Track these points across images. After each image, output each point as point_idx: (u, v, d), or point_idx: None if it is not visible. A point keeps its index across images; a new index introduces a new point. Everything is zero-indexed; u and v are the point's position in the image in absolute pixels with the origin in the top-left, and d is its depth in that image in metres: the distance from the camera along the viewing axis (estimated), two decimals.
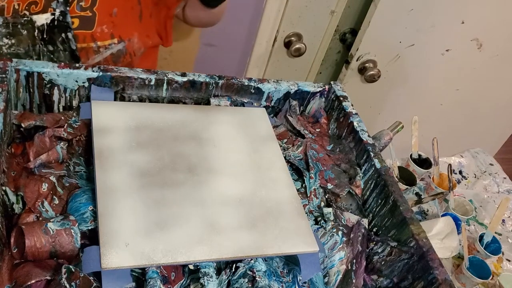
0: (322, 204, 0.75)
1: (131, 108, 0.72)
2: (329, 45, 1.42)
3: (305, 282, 0.63)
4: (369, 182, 0.76)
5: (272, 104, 0.85)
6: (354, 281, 0.66)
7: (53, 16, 0.75)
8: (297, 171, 0.78)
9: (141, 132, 0.69)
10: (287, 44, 1.36)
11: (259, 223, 0.63)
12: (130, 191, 0.61)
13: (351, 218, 0.72)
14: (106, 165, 0.63)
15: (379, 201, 0.73)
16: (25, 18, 0.75)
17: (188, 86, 0.77)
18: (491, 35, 1.38)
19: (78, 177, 0.65)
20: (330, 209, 0.73)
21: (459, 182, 1.59)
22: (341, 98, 0.84)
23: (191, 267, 0.58)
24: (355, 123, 0.81)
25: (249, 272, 0.60)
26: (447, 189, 1.33)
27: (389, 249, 0.68)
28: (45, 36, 0.76)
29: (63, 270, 0.51)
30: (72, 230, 0.56)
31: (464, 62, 1.44)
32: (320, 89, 0.86)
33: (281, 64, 1.41)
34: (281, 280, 0.63)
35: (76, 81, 0.70)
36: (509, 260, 1.32)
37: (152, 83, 0.75)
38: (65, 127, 0.67)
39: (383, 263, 0.69)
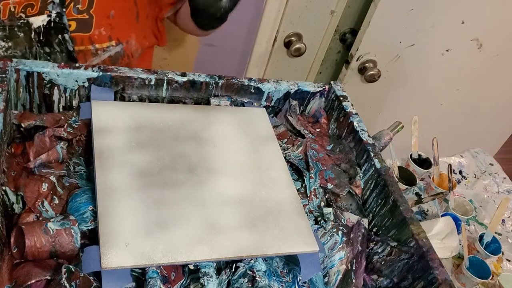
0: (322, 204, 0.75)
1: (131, 108, 0.72)
2: (329, 45, 1.42)
3: (305, 282, 0.63)
4: (369, 182, 0.76)
5: (272, 104, 0.85)
6: (354, 281, 0.66)
7: (49, 18, 0.75)
8: (297, 171, 0.78)
9: (141, 132, 0.69)
10: (287, 44, 1.36)
11: (259, 223, 0.63)
12: (130, 191, 0.61)
13: (351, 218, 0.72)
14: (106, 165, 0.63)
15: (379, 201, 0.73)
16: (22, 21, 0.75)
17: (188, 86, 0.77)
18: (491, 35, 1.38)
19: (78, 177, 0.65)
20: (330, 209, 0.73)
21: (459, 182, 1.59)
22: (341, 98, 0.84)
23: (191, 267, 0.58)
24: (355, 123, 0.81)
25: (249, 272, 0.60)
26: (447, 189, 1.33)
27: (389, 249, 0.68)
28: (41, 38, 0.76)
29: (63, 270, 0.51)
30: (72, 230, 0.56)
31: (464, 62, 1.44)
32: (320, 89, 0.86)
33: (281, 64, 1.41)
34: (281, 280, 0.63)
35: (76, 81, 0.70)
36: (509, 260, 1.32)
37: (152, 83, 0.75)
38: (65, 127, 0.67)
39: (383, 263, 0.69)
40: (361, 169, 0.78)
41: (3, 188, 0.58)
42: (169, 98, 0.78)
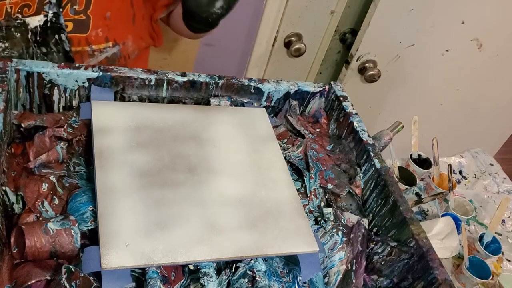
0: (322, 204, 0.75)
1: (131, 108, 0.72)
2: (329, 45, 1.42)
3: (305, 282, 0.63)
4: (369, 182, 0.76)
5: (272, 104, 0.85)
6: (354, 281, 0.66)
7: (46, 18, 0.75)
8: (297, 171, 0.78)
9: (141, 132, 0.69)
10: (287, 44, 1.36)
11: (259, 223, 0.63)
12: (130, 191, 0.61)
13: (351, 218, 0.72)
14: (106, 165, 0.63)
15: (379, 201, 0.73)
16: (18, 21, 0.75)
17: (188, 86, 0.77)
18: (491, 35, 1.38)
19: (78, 177, 0.65)
20: (330, 209, 0.73)
21: (459, 182, 1.59)
22: (341, 98, 0.84)
23: (191, 267, 0.58)
24: (355, 123, 0.81)
25: (249, 272, 0.60)
26: (447, 189, 1.33)
27: (389, 249, 0.68)
28: (38, 38, 0.76)
29: (63, 270, 0.51)
30: (72, 230, 0.56)
31: (464, 62, 1.44)
32: (320, 89, 0.86)
33: (281, 64, 1.41)
34: (281, 280, 0.63)
35: (76, 81, 0.70)
36: (509, 260, 1.32)
37: (152, 83, 0.75)
38: (65, 127, 0.67)
39: (383, 263, 0.69)
40: (361, 169, 0.78)
41: (3, 188, 0.58)
42: (169, 98, 0.78)
